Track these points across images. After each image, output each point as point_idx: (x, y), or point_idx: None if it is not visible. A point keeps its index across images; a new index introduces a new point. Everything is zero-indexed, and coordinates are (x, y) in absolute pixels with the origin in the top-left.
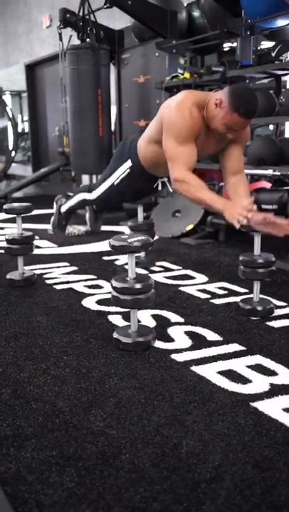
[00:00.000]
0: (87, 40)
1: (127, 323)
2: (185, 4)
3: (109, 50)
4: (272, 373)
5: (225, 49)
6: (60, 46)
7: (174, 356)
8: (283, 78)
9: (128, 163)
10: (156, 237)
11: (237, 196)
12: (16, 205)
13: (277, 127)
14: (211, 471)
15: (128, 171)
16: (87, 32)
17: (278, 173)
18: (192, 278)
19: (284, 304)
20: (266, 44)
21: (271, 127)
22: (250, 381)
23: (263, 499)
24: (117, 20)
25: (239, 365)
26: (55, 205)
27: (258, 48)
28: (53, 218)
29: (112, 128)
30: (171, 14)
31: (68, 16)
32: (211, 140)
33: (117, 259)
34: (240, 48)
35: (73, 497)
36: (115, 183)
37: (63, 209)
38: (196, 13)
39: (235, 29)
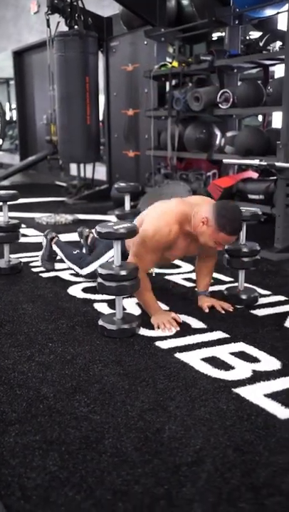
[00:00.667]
0: (75, 26)
1: (112, 311)
2: None
3: (97, 38)
4: (254, 360)
5: (214, 38)
6: (47, 33)
7: (158, 343)
8: (271, 68)
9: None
10: None
11: (200, 274)
12: (1, 192)
13: (265, 117)
14: (192, 455)
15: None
16: (75, 18)
17: (264, 163)
18: (178, 267)
19: (268, 292)
20: (255, 34)
21: (260, 118)
22: (232, 368)
23: (242, 481)
24: (105, 7)
25: (222, 352)
26: (44, 239)
27: (247, 37)
28: (42, 251)
29: (101, 117)
30: (160, 2)
31: (56, 1)
32: (193, 245)
33: None
34: (229, 37)
35: (56, 480)
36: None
37: (56, 249)
38: (185, 1)
39: (224, 18)
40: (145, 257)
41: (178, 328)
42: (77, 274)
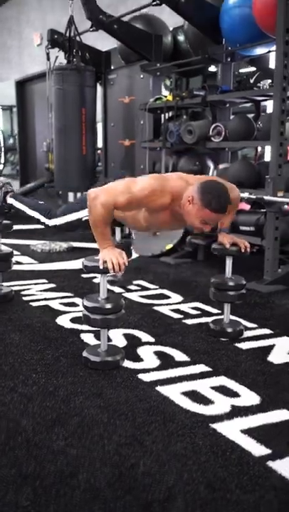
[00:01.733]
0: (74, 60)
1: (97, 342)
2: (171, 28)
3: (94, 72)
4: (234, 395)
5: (211, 71)
6: (47, 65)
7: (140, 376)
8: (262, 103)
9: None
10: (135, 256)
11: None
12: None
13: (256, 151)
14: (164, 491)
15: None
16: (73, 53)
17: (253, 197)
18: (167, 297)
19: (254, 325)
20: (247, 70)
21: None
22: (212, 402)
23: None
24: (105, 40)
25: (203, 386)
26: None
27: (239, 72)
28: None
29: (100, 145)
30: (157, 38)
31: (56, 36)
32: (174, 224)
33: (95, 277)
34: (221, 73)
35: None
36: (83, 219)
37: (12, 202)
38: (181, 38)
39: (216, 56)
40: (118, 194)
41: (124, 266)
42: (44, 225)
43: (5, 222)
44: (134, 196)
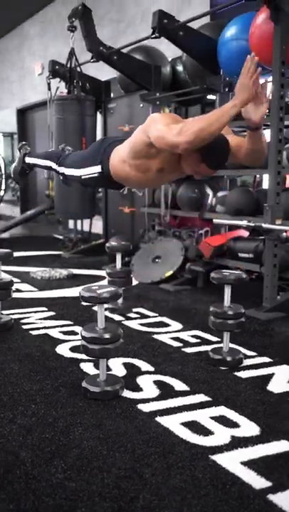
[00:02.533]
0: (74, 90)
1: (97, 372)
2: (169, 59)
3: (94, 101)
4: (234, 425)
5: (210, 99)
6: (48, 95)
7: (140, 406)
8: None
9: (98, 168)
10: (135, 283)
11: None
12: None
13: (254, 179)
14: None
15: (96, 174)
16: (73, 83)
17: (252, 224)
18: (167, 325)
19: (254, 353)
20: None
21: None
22: (212, 433)
23: None
24: (105, 70)
25: (203, 416)
26: (19, 153)
27: None
28: (15, 164)
29: None
30: (156, 68)
31: (57, 67)
32: (169, 175)
33: (94, 305)
34: (219, 103)
35: None
36: (82, 177)
37: (28, 160)
38: (180, 68)
39: (214, 86)
40: (176, 124)
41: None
42: (55, 172)
43: (5, 250)
44: (170, 119)
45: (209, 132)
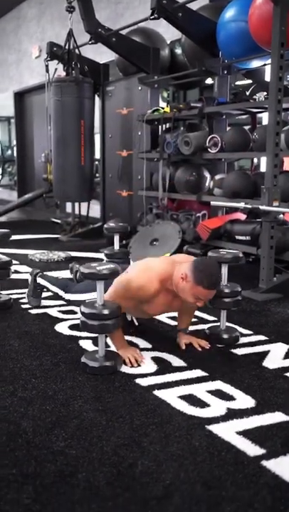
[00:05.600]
0: (72, 73)
1: (96, 348)
2: (168, 42)
3: (93, 83)
4: (230, 398)
5: (207, 83)
6: (46, 77)
7: (138, 381)
8: (258, 115)
9: None
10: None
11: (181, 315)
12: None
13: (252, 162)
14: (161, 489)
15: None
16: (72, 65)
17: (249, 206)
18: None
19: (250, 332)
20: (243, 82)
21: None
22: (208, 405)
23: None
24: (103, 53)
25: (200, 390)
26: (30, 277)
27: (235, 85)
28: (28, 288)
29: (97, 156)
30: (154, 51)
31: (55, 49)
32: (175, 302)
33: None
34: (218, 85)
35: None
36: (86, 301)
37: (39, 281)
38: (179, 51)
39: (213, 68)
40: (120, 301)
41: (143, 363)
42: (60, 298)
43: (3, 230)
44: (132, 294)
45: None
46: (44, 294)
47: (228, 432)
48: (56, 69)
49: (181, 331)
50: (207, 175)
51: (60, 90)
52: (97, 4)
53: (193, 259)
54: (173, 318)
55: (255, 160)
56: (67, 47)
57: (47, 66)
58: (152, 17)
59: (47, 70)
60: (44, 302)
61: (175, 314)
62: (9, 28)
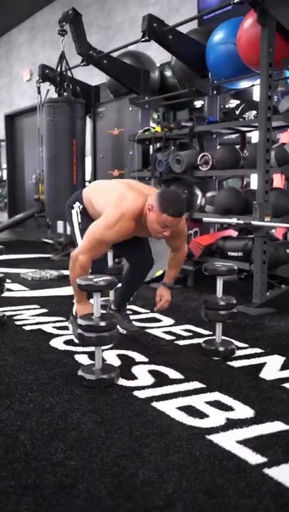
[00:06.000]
0: (64, 94)
1: (92, 362)
2: (158, 64)
3: (84, 104)
4: (229, 408)
5: (197, 105)
6: (38, 99)
7: (136, 393)
8: (248, 134)
9: (77, 204)
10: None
11: (168, 266)
12: None
13: (243, 179)
14: (164, 499)
15: (79, 209)
16: (64, 87)
17: (242, 222)
18: (159, 321)
19: (245, 345)
20: (234, 102)
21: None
22: (207, 416)
23: None
24: (94, 75)
25: (198, 401)
26: (70, 324)
27: (226, 105)
28: (72, 329)
29: (88, 177)
30: (145, 73)
31: (47, 71)
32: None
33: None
34: (208, 105)
35: None
36: (81, 228)
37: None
38: (168, 73)
39: (203, 89)
40: (98, 244)
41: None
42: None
43: None
44: (107, 240)
45: (70, 280)
46: (38, 311)
47: (228, 441)
48: (48, 90)
49: (164, 283)
50: (198, 193)
51: (52, 110)
52: (88, 29)
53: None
54: (168, 333)
55: (245, 179)
56: (59, 69)
57: (39, 88)
58: (143, 39)
59: (39, 92)
60: (38, 319)
61: (171, 329)
62: (0, 52)
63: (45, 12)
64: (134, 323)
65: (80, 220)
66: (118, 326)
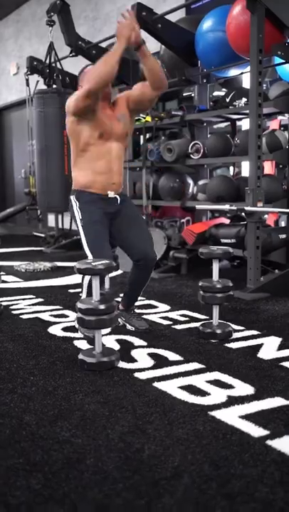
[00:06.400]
0: (54, 85)
1: (92, 347)
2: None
3: None
4: (229, 387)
5: (185, 95)
6: (27, 91)
7: (137, 374)
8: (238, 123)
9: (73, 199)
10: (120, 271)
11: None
12: None
13: (234, 167)
14: (170, 470)
15: (77, 204)
16: (53, 78)
17: (235, 208)
18: (155, 307)
19: (242, 328)
20: (223, 91)
21: (231, 169)
22: (208, 394)
23: (218, 491)
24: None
25: (199, 380)
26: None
27: (214, 94)
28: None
29: None
30: (134, 63)
31: (35, 63)
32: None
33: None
34: (198, 94)
35: (39, 497)
36: (85, 226)
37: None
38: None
39: (193, 77)
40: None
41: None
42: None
43: None
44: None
45: (106, 71)
46: (34, 301)
47: (230, 416)
48: (38, 81)
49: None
50: (190, 181)
51: (42, 102)
52: (75, 21)
53: None
54: (165, 318)
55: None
56: (48, 60)
57: (27, 80)
58: None
59: (27, 84)
60: (35, 308)
61: (168, 314)
62: None
63: (32, 4)
64: None
65: (81, 217)
66: (127, 324)
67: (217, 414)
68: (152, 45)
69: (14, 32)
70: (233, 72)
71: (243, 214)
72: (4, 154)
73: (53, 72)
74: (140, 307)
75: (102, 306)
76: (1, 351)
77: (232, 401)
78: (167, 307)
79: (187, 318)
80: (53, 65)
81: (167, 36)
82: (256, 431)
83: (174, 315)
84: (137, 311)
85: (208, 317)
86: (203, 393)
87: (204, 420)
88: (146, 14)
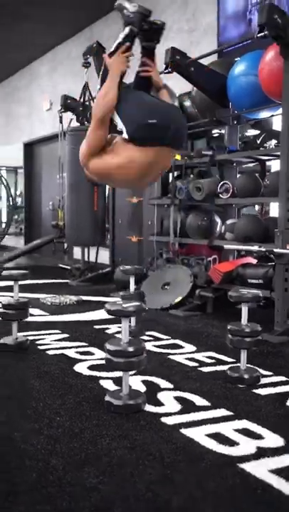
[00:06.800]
0: (86, 123)
1: (118, 388)
2: (177, 95)
3: None
4: (258, 437)
5: (214, 135)
6: (60, 128)
7: (163, 419)
8: (268, 163)
9: None
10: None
11: None
12: (13, 272)
13: (262, 207)
14: None
15: None
16: (86, 116)
17: (264, 249)
18: (181, 347)
19: (270, 373)
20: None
21: (257, 207)
22: (237, 443)
23: None
24: None
25: (227, 428)
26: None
27: (243, 135)
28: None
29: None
30: None
31: (69, 101)
32: None
33: (107, 328)
34: (228, 135)
35: None
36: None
37: None
38: (187, 103)
39: (223, 119)
40: (95, 134)
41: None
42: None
43: (21, 271)
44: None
45: (107, 100)
46: (59, 336)
47: (260, 470)
48: (72, 119)
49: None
50: (218, 220)
51: (75, 139)
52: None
53: None
54: (191, 359)
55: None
56: (82, 99)
57: (61, 117)
58: (166, 71)
59: (60, 121)
60: (61, 344)
61: (194, 356)
62: (21, 83)
63: (67, 45)
64: (155, 349)
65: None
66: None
67: (246, 466)
68: (183, 85)
69: (49, 70)
70: (263, 114)
71: (271, 255)
72: (33, 186)
73: (86, 111)
74: (166, 347)
75: (131, 348)
76: (28, 388)
77: (262, 453)
78: (193, 348)
79: (214, 361)
80: (87, 103)
81: (200, 79)
82: (288, 487)
83: (200, 356)
84: (162, 351)
85: (234, 360)
86: (232, 443)
87: (233, 472)
88: (180, 58)
